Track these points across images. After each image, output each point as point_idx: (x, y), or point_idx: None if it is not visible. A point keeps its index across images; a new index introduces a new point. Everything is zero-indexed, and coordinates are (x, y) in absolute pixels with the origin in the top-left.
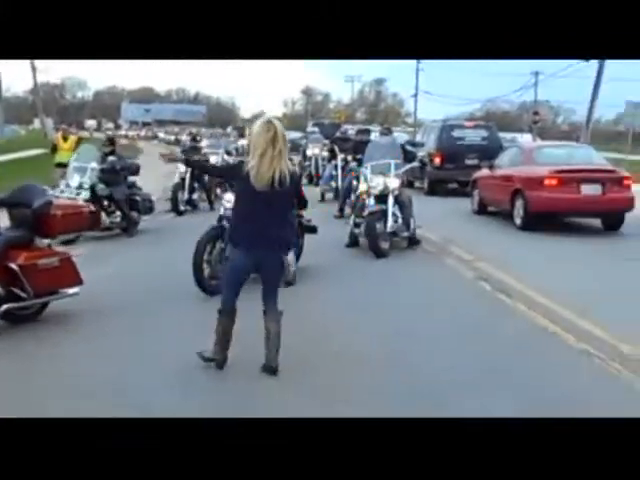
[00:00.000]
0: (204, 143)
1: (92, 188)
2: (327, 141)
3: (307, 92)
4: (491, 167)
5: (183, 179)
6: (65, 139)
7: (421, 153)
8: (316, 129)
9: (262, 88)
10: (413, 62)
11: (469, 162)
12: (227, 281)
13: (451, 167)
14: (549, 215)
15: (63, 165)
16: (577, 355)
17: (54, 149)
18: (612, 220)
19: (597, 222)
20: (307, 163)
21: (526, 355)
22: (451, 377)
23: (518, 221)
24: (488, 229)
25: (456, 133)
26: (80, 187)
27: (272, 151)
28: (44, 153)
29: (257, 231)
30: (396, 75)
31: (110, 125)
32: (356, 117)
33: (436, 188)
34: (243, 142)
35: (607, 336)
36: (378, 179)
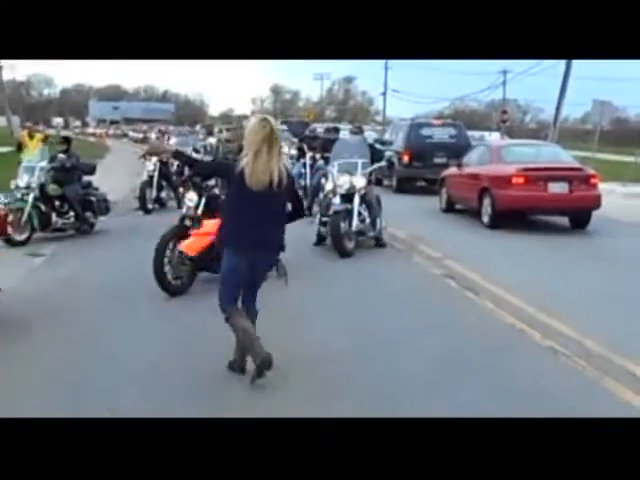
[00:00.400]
0: (172, 141)
1: (42, 188)
2: (296, 139)
3: (276, 90)
4: (459, 165)
5: (151, 177)
6: (31, 137)
7: (388, 152)
8: (284, 127)
9: (231, 86)
10: (382, 60)
11: (437, 160)
12: (225, 284)
13: (419, 165)
14: (516, 213)
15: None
16: (543, 351)
17: (20, 147)
18: (579, 218)
19: (564, 220)
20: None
21: (493, 351)
22: (416, 372)
23: (486, 219)
24: (456, 227)
25: (424, 131)
26: (28, 187)
27: (268, 150)
28: (10, 151)
29: (251, 232)
30: (365, 73)
31: (77, 123)
32: (325, 115)
33: (404, 186)
34: (211, 140)
35: (573, 333)
36: (344, 178)
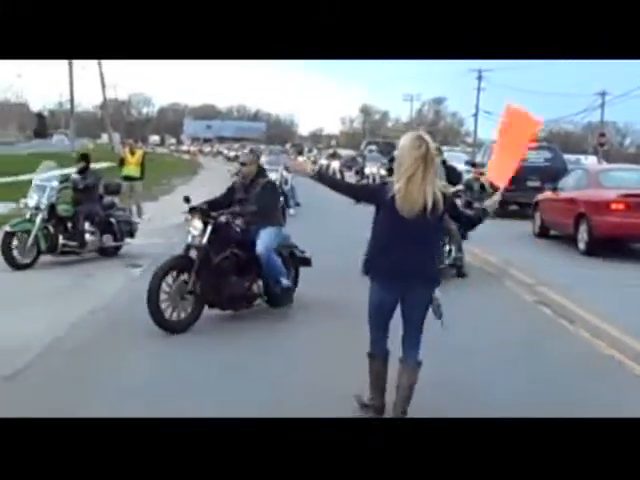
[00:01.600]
0: (263, 160)
1: (52, 208)
2: (385, 160)
3: (365, 110)
4: (554, 189)
5: None
6: (132, 153)
7: (468, 176)
8: (374, 147)
9: (320, 106)
10: (474, 81)
11: (531, 184)
12: (371, 321)
13: (512, 188)
14: (615, 241)
15: (130, 178)
16: None
17: (122, 163)
18: None
19: None
20: (365, 181)
21: (589, 380)
22: (509, 397)
23: (582, 246)
24: (550, 253)
25: None
26: (37, 208)
27: (423, 172)
28: (111, 166)
29: (401, 262)
30: (456, 94)
31: (173, 141)
32: None
33: (496, 209)
34: (300, 159)
35: None
36: None
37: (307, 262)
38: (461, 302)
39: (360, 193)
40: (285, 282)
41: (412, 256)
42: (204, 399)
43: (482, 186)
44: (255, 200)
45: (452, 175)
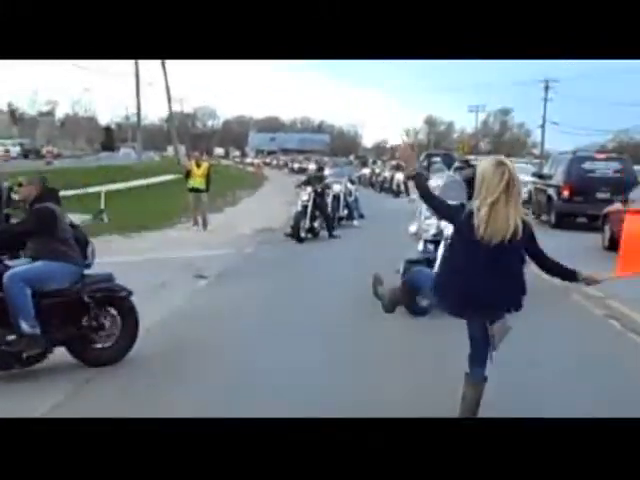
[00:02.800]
0: (327, 172)
1: None
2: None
3: (430, 122)
4: (625, 201)
5: (305, 207)
6: (198, 166)
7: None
8: (439, 159)
9: (385, 118)
10: (541, 91)
11: (600, 196)
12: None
13: (580, 200)
14: None
15: (196, 190)
16: None
17: (188, 175)
18: None
19: None
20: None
21: None
22: (573, 412)
23: None
24: None
25: (587, 165)
26: None
27: (506, 199)
28: (177, 179)
29: (478, 290)
30: (522, 105)
31: (237, 153)
32: (480, 148)
33: (563, 222)
34: (365, 171)
35: None
36: (431, 221)
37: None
38: (528, 315)
39: (444, 211)
40: (25, 326)
41: (490, 284)
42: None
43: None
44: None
45: None
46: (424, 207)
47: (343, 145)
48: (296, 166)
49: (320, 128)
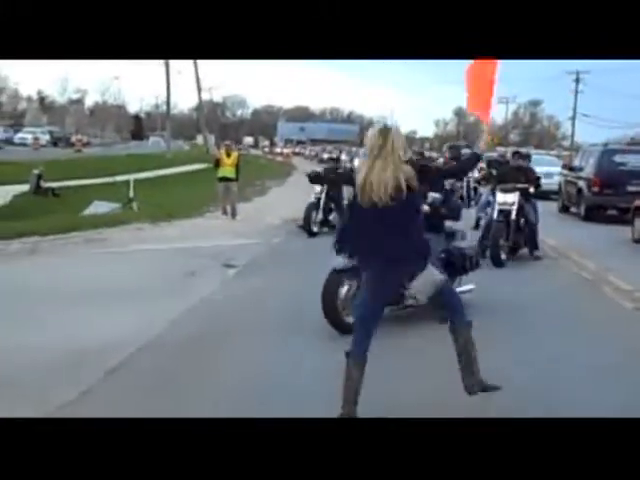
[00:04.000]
0: (356, 162)
1: None
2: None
3: (459, 113)
4: None
5: (318, 199)
6: (228, 155)
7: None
8: (468, 150)
9: (415, 109)
10: (571, 83)
11: (631, 188)
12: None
13: (610, 193)
14: None
15: (225, 179)
16: None
17: (217, 164)
18: None
19: None
20: (459, 184)
21: None
22: (601, 409)
23: None
24: None
25: (617, 158)
26: None
27: (384, 163)
28: (206, 168)
29: (372, 249)
30: (552, 96)
31: (266, 142)
32: (510, 139)
33: (593, 214)
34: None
35: None
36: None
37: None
38: (556, 308)
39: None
40: None
41: (381, 243)
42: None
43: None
44: None
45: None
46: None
47: None
48: (325, 156)
49: (349, 118)
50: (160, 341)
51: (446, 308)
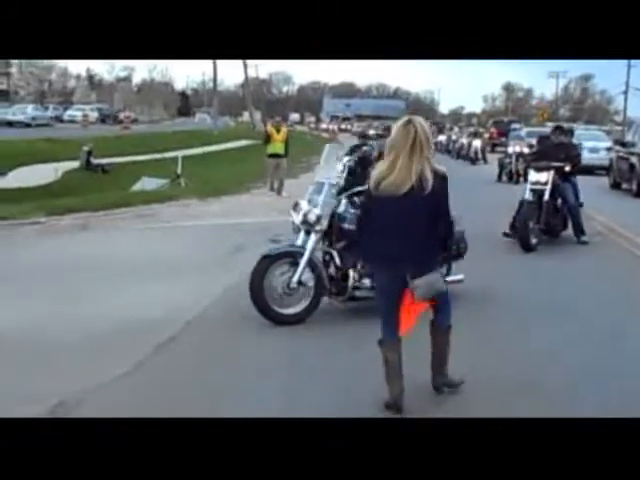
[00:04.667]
0: (371, 132)
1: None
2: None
3: (508, 88)
4: None
5: (339, 178)
6: (278, 131)
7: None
8: (518, 125)
9: (462, 84)
10: (616, 59)
11: None
12: None
13: None
14: None
15: (275, 155)
16: None
17: (267, 140)
18: None
19: None
20: (508, 160)
21: None
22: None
23: None
24: None
25: None
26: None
27: (410, 155)
28: (252, 144)
29: (381, 246)
30: (604, 71)
31: (312, 119)
32: (559, 114)
33: None
34: (441, 138)
35: None
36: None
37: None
38: (606, 288)
39: None
40: None
41: (391, 241)
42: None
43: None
44: None
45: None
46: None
47: (419, 111)
48: (371, 132)
49: (396, 94)
50: (207, 315)
51: (436, 309)
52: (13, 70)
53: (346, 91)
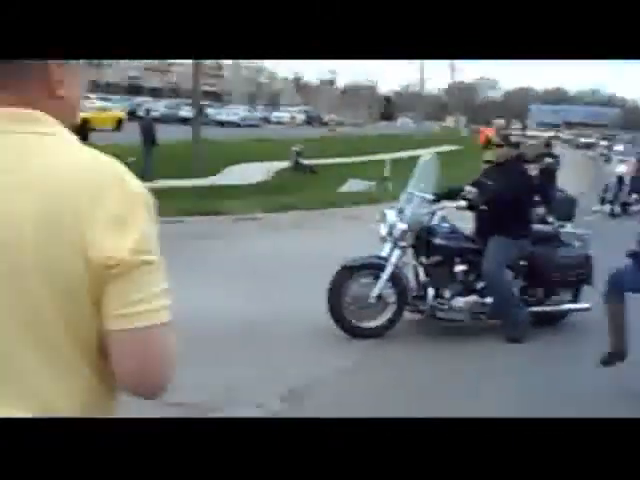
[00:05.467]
0: (617, 148)
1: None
2: None
3: None
4: None
5: (621, 177)
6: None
7: None
8: None
9: None
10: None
11: None
12: None
13: None
14: None
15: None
16: None
17: (486, 146)
18: None
19: None
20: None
21: None
22: None
23: None
24: None
25: None
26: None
27: None
28: (456, 150)
29: None
30: None
31: (517, 125)
32: None
33: None
34: None
35: None
36: None
37: None
38: None
39: None
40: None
41: None
42: None
43: None
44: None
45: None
46: None
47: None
48: (582, 140)
49: (610, 101)
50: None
51: None
52: (225, 73)
53: (554, 97)
